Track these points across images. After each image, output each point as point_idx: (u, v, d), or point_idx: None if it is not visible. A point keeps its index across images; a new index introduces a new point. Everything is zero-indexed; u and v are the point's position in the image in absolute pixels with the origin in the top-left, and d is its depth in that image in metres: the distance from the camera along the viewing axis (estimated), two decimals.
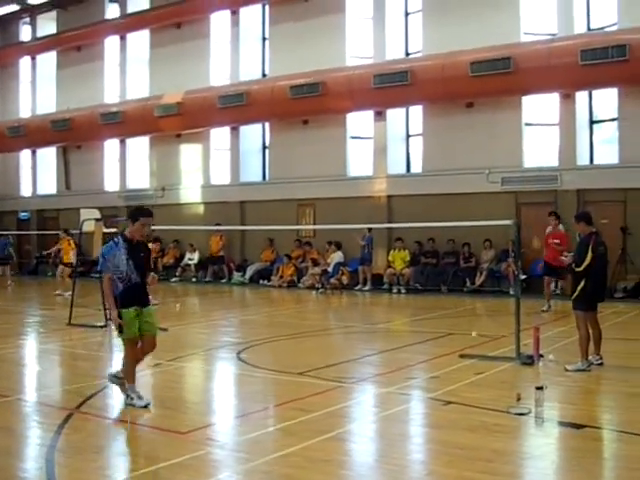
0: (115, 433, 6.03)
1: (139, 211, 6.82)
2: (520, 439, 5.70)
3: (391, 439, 5.72)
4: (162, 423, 6.08)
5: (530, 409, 6.00)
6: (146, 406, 6.42)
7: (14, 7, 24.66)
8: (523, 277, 15.80)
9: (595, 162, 16.46)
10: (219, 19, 21.75)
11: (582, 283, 7.87)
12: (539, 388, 5.96)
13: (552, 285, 14.02)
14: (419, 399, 6.99)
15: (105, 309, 11.63)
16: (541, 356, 8.21)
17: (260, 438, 5.58)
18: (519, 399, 6.35)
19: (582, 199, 15.97)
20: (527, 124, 16.90)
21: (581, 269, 7.87)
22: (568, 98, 16.04)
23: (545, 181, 16.30)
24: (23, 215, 27.01)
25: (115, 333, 6.85)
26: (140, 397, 6.47)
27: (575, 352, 8.02)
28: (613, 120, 16.17)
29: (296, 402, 6.56)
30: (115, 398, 6.96)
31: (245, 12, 21.13)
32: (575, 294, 7.99)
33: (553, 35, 16.22)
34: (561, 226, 13.77)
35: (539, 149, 17.11)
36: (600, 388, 7.48)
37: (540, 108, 17.12)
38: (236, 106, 19.31)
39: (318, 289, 17.66)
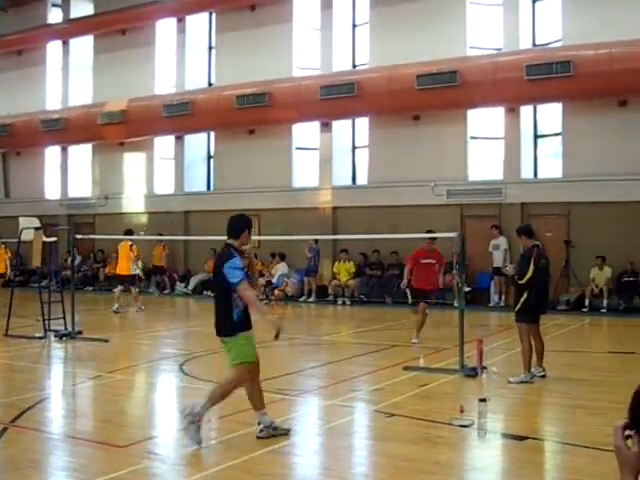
0: (51, 447, 5.83)
1: (248, 221, 5.96)
2: (463, 451, 5.68)
3: (334, 452, 5.63)
4: (101, 436, 5.93)
5: (473, 421, 5.98)
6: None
7: None
8: (467, 289, 16.00)
9: (539, 176, 16.80)
10: (165, 26, 21.51)
11: (524, 295, 7.93)
12: (482, 400, 5.94)
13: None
14: (363, 411, 6.91)
15: (44, 320, 11.25)
16: (484, 368, 8.22)
17: (201, 451, 5.45)
18: (462, 411, 6.32)
19: (526, 212, 16.26)
20: (472, 137, 17.15)
21: (523, 282, 7.93)
22: (513, 112, 16.34)
23: (490, 194, 16.54)
24: None
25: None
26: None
27: (518, 364, 8.07)
28: (557, 135, 16.50)
29: (238, 414, 6.39)
30: (52, 411, 6.84)
31: (191, 20, 20.91)
32: (518, 306, 8.04)
33: (499, 50, 16.52)
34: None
35: (484, 162, 17.38)
36: (543, 400, 7.54)
37: (485, 122, 17.41)
38: (181, 115, 19.07)
39: (262, 300, 17.45)
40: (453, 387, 7.73)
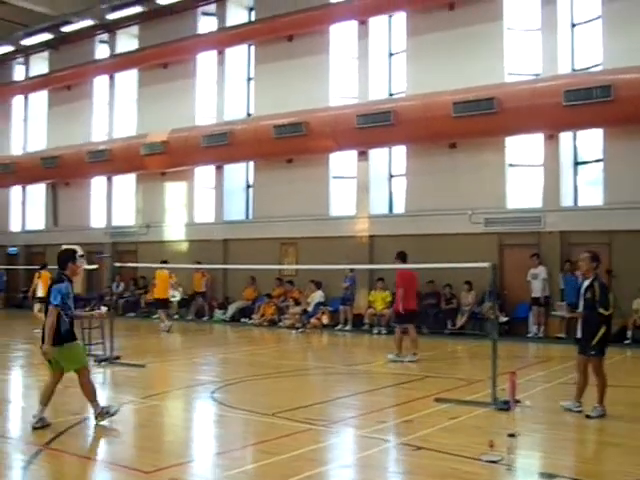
0: (82, 471, 5.97)
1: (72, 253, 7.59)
2: None
3: None
4: (129, 461, 6.01)
5: (502, 457, 5.84)
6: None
7: (9, 48, 25.22)
8: (505, 319, 15.76)
9: (579, 204, 16.42)
10: (205, 59, 22.01)
11: (603, 328, 7.54)
12: (511, 435, 5.82)
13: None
14: (390, 444, 6.80)
15: (85, 344, 11.56)
16: (518, 402, 8.03)
17: None
18: (492, 446, 6.18)
19: (566, 241, 15.94)
20: (511, 165, 16.94)
21: (608, 313, 7.56)
22: (552, 139, 16.09)
23: (528, 222, 16.28)
24: (12, 250, 27.20)
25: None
26: None
27: (554, 397, 7.87)
28: (598, 161, 16.11)
29: (263, 444, 6.42)
30: (85, 435, 7.05)
31: (231, 52, 21.37)
32: (596, 340, 7.56)
33: (537, 75, 16.32)
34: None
35: (523, 190, 17.09)
36: (577, 436, 7.26)
37: (524, 149, 17.14)
38: (220, 145, 19.40)
39: (298, 328, 17.48)
40: (484, 421, 7.55)
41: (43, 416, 7.01)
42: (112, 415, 7.24)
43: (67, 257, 7.37)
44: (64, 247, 7.93)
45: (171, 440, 7.17)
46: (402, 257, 12.43)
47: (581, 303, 7.84)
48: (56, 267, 7.54)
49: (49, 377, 7.25)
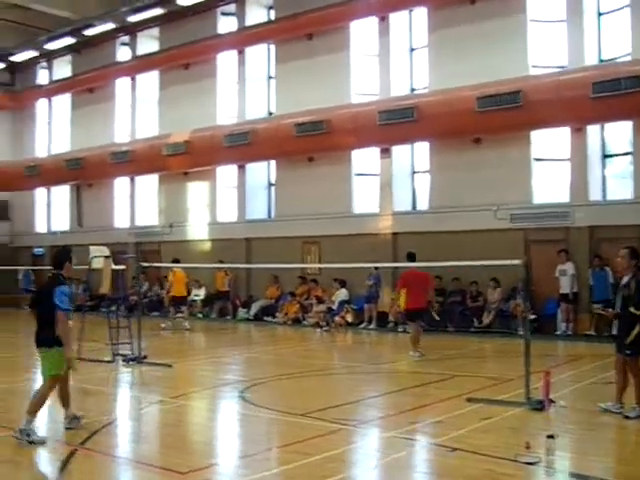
0: (117, 471, 6.02)
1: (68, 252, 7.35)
2: None
3: None
4: (164, 462, 6.00)
5: (540, 458, 5.71)
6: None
7: (33, 53, 25.50)
8: (533, 317, 15.51)
9: (608, 198, 16.09)
10: (226, 59, 22.00)
11: (638, 327, 7.30)
12: (550, 437, 5.67)
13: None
14: (423, 445, 6.71)
15: (113, 344, 11.72)
16: (552, 402, 7.86)
17: None
18: (528, 447, 6.05)
19: (595, 236, 15.66)
20: (537, 159, 16.66)
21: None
22: (579, 132, 15.80)
23: (556, 218, 16.01)
24: (38, 251, 27.52)
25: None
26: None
27: (589, 397, 7.70)
28: (627, 154, 15.79)
29: (297, 445, 6.38)
30: (118, 435, 7.12)
31: (251, 51, 21.34)
32: (630, 338, 7.35)
33: (563, 67, 16.00)
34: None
35: (549, 185, 16.81)
36: (614, 437, 7.12)
37: (550, 143, 16.84)
38: (242, 144, 19.38)
39: (322, 327, 17.41)
40: (518, 421, 7.42)
41: (72, 414, 7.02)
42: (32, 441, 6.43)
43: (65, 256, 7.13)
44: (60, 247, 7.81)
45: (203, 440, 7.15)
46: (411, 258, 13.12)
47: (618, 300, 7.66)
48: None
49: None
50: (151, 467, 5.89)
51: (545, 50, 16.64)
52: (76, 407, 8.22)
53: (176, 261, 18.41)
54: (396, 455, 6.19)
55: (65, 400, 7.07)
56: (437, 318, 14.93)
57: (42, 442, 6.46)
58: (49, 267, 7.26)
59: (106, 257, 12.70)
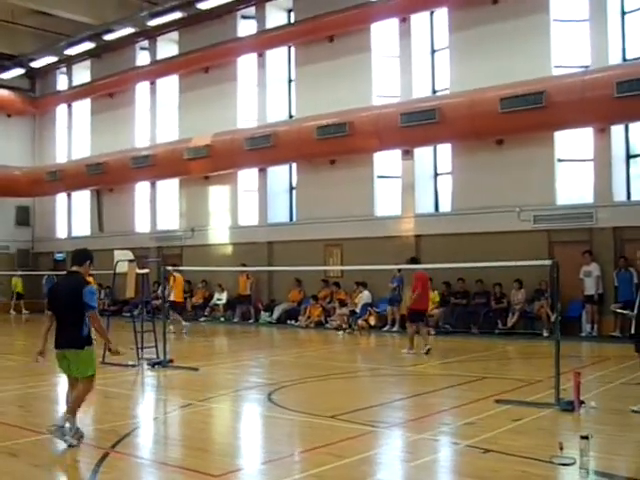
0: (150, 474, 6.03)
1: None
2: None
3: None
4: (195, 464, 5.98)
5: (575, 459, 5.66)
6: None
7: (52, 58, 25.70)
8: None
9: (633, 198, 15.94)
10: (246, 62, 22.09)
11: None
12: (584, 437, 5.62)
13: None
14: (455, 446, 6.66)
15: (137, 348, 11.77)
16: (582, 402, 7.80)
17: None
18: (562, 448, 6.00)
19: (619, 237, 15.55)
20: (560, 160, 16.56)
21: None
22: (603, 132, 15.67)
23: (579, 219, 15.90)
24: (59, 256, 27.76)
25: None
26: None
27: (618, 398, 7.66)
28: None
29: (328, 447, 6.36)
30: (149, 438, 7.11)
31: (271, 54, 21.41)
32: None
33: (586, 67, 15.88)
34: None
35: (573, 186, 16.72)
36: None
37: (574, 143, 16.74)
38: (263, 148, 19.45)
39: (345, 330, 17.41)
40: (549, 422, 7.37)
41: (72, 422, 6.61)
42: (77, 440, 6.49)
43: (88, 255, 7.02)
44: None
45: (234, 443, 7.16)
46: (415, 262, 14.11)
47: (638, 300, 7.65)
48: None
49: (67, 384, 6.98)
50: (183, 470, 5.88)
51: (568, 50, 16.55)
52: (103, 411, 8.37)
53: (174, 266, 18.03)
54: (428, 457, 6.17)
55: (74, 406, 6.74)
56: None
57: (75, 444, 6.45)
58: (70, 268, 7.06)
59: (130, 261, 12.79)
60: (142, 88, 25.10)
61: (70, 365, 6.73)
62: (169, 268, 17.13)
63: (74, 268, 6.90)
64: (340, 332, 17.39)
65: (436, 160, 18.87)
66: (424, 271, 13.49)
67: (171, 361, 11.60)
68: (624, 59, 15.85)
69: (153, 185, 24.59)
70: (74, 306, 6.61)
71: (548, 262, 8.55)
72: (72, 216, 27.88)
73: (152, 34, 23.98)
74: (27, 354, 14.80)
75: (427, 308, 13.79)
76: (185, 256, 22.78)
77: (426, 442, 6.67)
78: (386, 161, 19.38)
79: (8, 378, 11.07)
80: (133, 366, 11.43)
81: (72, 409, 6.63)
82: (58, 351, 6.76)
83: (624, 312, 8.43)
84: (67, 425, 6.50)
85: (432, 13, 18.78)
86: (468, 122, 16.15)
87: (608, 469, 5.75)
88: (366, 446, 6.43)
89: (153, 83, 24.65)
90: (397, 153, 18.82)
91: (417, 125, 16.71)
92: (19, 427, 7.33)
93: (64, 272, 7.83)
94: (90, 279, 7.18)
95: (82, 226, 27.29)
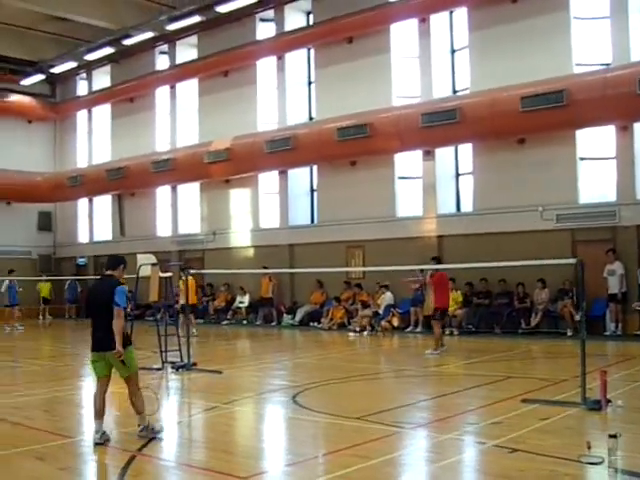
0: (175, 476, 6.05)
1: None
2: None
3: None
4: (222, 467, 6.00)
5: (603, 458, 5.62)
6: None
7: (72, 64, 26.00)
8: (579, 317, 15.26)
9: None
10: (265, 65, 22.18)
11: None
12: (612, 436, 5.57)
13: None
14: (483, 446, 6.63)
15: (161, 352, 11.81)
16: (609, 401, 7.74)
17: None
18: (590, 447, 5.95)
19: None
20: (582, 158, 16.43)
21: None
22: (625, 130, 15.54)
23: (603, 217, 15.77)
24: (81, 261, 28.08)
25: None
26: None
27: None
28: None
29: (354, 448, 6.35)
30: (176, 441, 7.14)
31: (290, 57, 21.48)
32: None
33: (607, 65, 15.77)
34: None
35: (596, 184, 16.57)
36: None
37: (596, 141, 16.60)
38: (283, 150, 19.50)
39: (363, 331, 17.41)
40: (576, 421, 7.32)
41: (104, 430, 6.72)
42: (156, 434, 6.87)
43: (122, 260, 7.27)
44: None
45: (260, 445, 7.17)
46: (437, 261, 14.46)
47: None
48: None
49: (97, 387, 7.02)
50: (209, 472, 5.90)
51: (589, 48, 16.42)
52: (128, 414, 8.39)
53: (187, 269, 18.34)
54: (454, 457, 6.16)
55: (100, 410, 6.82)
56: None
57: (160, 431, 6.93)
58: (92, 277, 7.30)
59: (153, 265, 12.86)
60: (162, 92, 25.30)
61: (113, 367, 6.88)
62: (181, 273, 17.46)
63: (108, 272, 7.11)
64: (364, 332, 17.36)
65: (457, 160, 18.82)
66: (443, 271, 13.59)
67: (195, 364, 11.67)
68: None
69: (174, 189, 24.76)
70: (108, 308, 6.73)
71: (573, 261, 8.48)
72: (94, 221, 28.13)
73: (171, 38, 24.16)
74: (52, 359, 15.10)
75: (447, 307, 14.07)
76: (207, 260, 22.91)
77: (452, 442, 6.66)
78: (407, 162, 19.34)
79: (34, 382, 11.21)
80: (158, 369, 11.50)
81: (138, 410, 6.91)
82: (96, 354, 6.88)
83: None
84: (143, 426, 6.88)
85: (451, 13, 18.75)
86: (489, 122, 16.08)
87: (637, 468, 5.70)
88: (391, 447, 6.44)
89: (173, 87, 24.82)
90: (418, 154, 18.78)
91: (438, 125, 16.68)
92: (45, 431, 7.41)
93: (85, 277, 8.08)
94: (123, 282, 7.26)
95: (104, 231, 27.55)
